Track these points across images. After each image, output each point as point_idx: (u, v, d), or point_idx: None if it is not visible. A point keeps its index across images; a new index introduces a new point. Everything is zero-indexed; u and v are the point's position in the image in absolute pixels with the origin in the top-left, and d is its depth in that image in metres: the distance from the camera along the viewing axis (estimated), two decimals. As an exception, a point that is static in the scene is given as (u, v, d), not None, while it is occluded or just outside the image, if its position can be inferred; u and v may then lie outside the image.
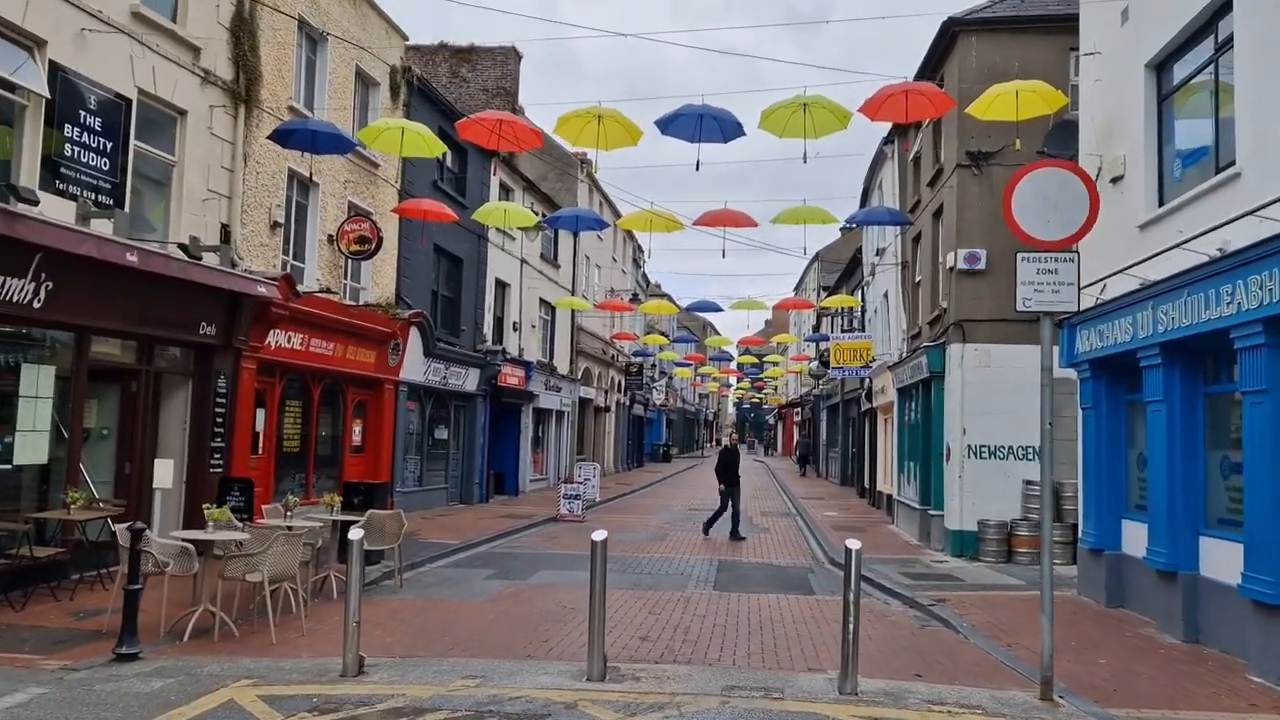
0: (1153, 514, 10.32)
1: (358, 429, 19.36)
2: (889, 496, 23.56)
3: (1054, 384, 15.96)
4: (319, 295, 16.35)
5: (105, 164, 11.75)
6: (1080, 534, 12.47)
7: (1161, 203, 10.64)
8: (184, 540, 9.44)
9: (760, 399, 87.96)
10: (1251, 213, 8.17)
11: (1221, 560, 9.21)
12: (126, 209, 12.02)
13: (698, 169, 12.74)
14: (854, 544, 7.33)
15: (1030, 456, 15.89)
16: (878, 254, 26.05)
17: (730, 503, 19.23)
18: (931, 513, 17.35)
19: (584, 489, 23.39)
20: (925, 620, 11.13)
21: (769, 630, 10.28)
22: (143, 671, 7.62)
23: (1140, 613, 10.87)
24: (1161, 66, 10.83)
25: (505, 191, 26.87)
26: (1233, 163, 8.97)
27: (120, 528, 8.88)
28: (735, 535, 18.79)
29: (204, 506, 10.18)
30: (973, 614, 11.11)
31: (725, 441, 21.16)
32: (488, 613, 10.91)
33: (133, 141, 12.27)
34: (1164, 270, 9.83)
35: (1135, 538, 11.18)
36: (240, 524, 10.72)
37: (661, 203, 21.84)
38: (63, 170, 11.13)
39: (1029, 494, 15.68)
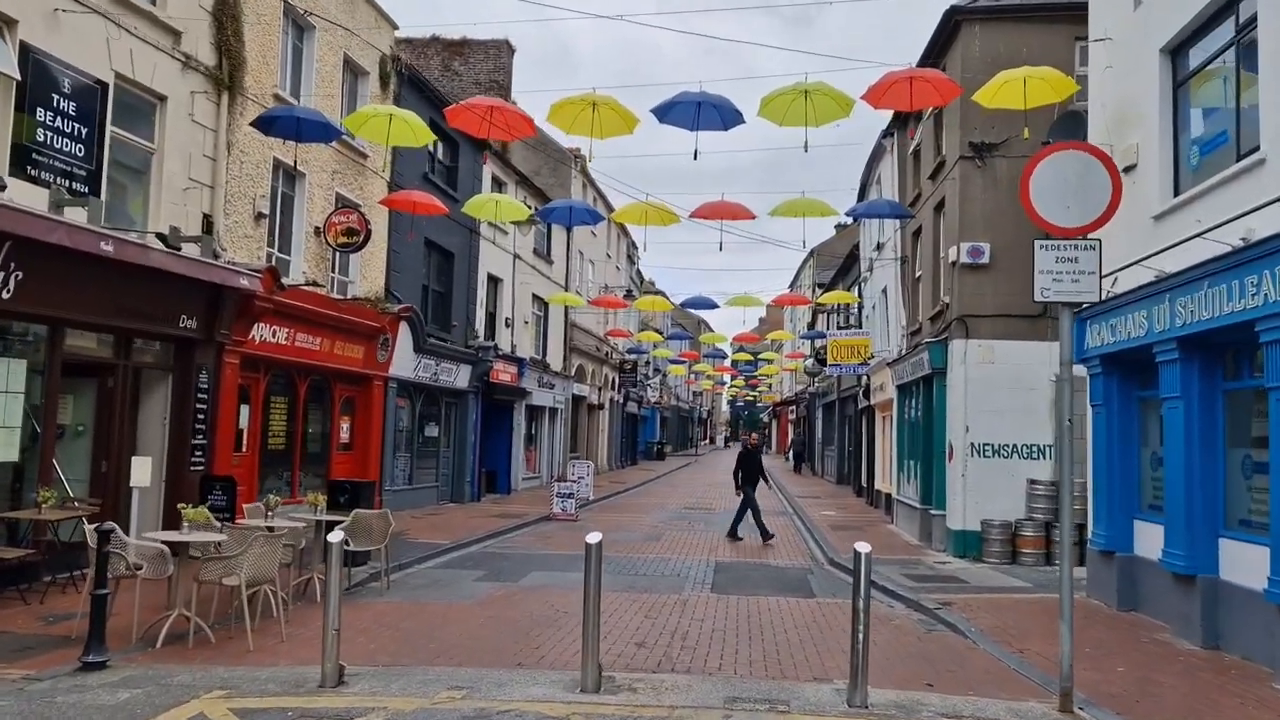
0: (1169, 515, 9.94)
1: (346, 426, 18.91)
2: (888, 495, 23.18)
3: (1059, 380, 15.64)
4: (305, 288, 15.90)
5: (80, 150, 11.30)
6: (1090, 535, 12.08)
7: (1177, 192, 10.26)
8: (157, 541, 9.00)
9: (754, 397, 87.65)
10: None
11: (1244, 563, 8.83)
12: (103, 197, 11.57)
13: (695, 158, 12.35)
14: (864, 547, 6.93)
15: (1035, 455, 15.53)
16: (876, 249, 25.66)
17: (754, 503, 18.62)
18: (933, 512, 16.97)
19: (577, 487, 22.98)
20: (931, 624, 10.74)
21: (770, 636, 9.88)
22: (109, 681, 7.19)
23: (1155, 617, 10.49)
24: (1177, 51, 10.44)
25: (497, 185, 26.46)
26: (1256, 148, 8.59)
27: (89, 528, 8.44)
28: (766, 534, 18.22)
29: (179, 506, 9.73)
30: (980, 618, 10.72)
31: (745, 443, 20.57)
32: (477, 616, 10.50)
33: (109, 127, 11.82)
34: (1181, 262, 9.44)
35: (1148, 539, 10.81)
36: (219, 524, 10.29)
37: (656, 198, 21.43)
38: (34, 156, 10.68)
39: (1033, 493, 15.32)
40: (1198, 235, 8.96)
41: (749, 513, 18.57)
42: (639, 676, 7.68)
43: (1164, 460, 10.23)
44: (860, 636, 6.77)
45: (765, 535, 18.15)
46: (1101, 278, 7.33)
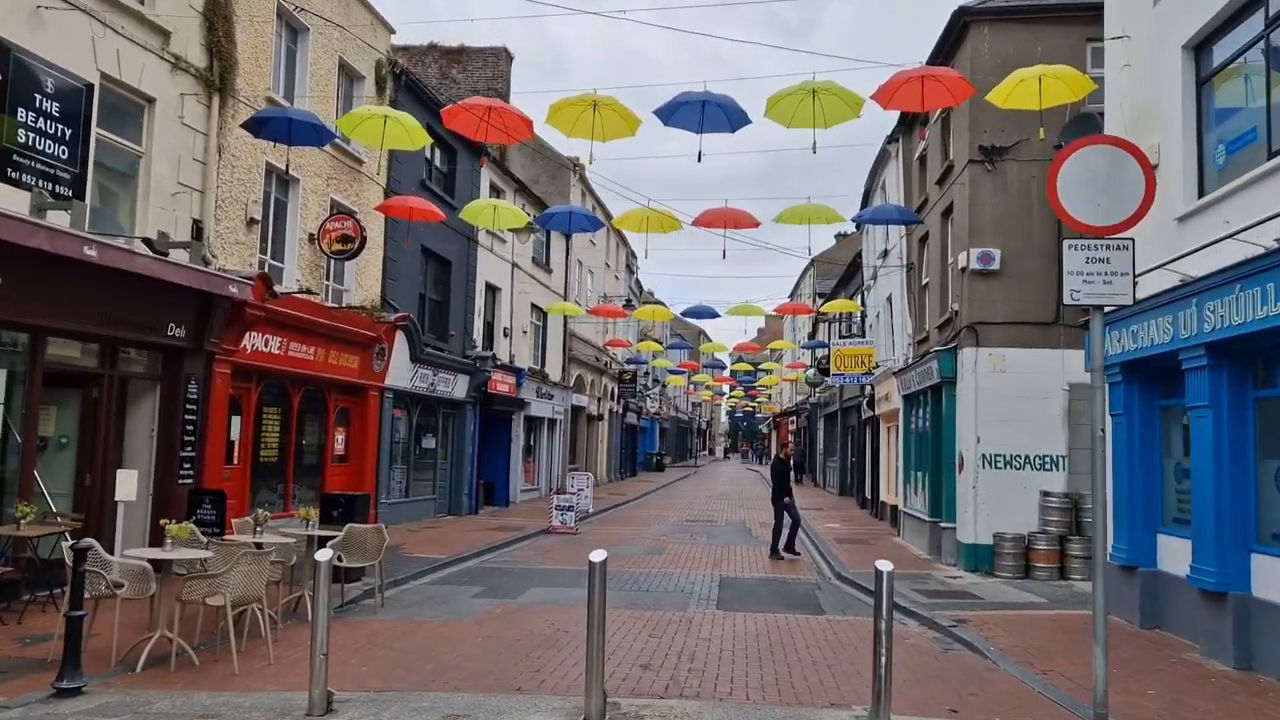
0: (1197, 529, 9.52)
1: (340, 438, 18.49)
2: (893, 508, 22.76)
3: (1073, 389, 15.26)
4: (298, 296, 15.50)
5: (63, 152, 10.90)
6: (1110, 549, 11.66)
7: (1202, 193, 9.88)
8: (138, 559, 8.58)
9: (754, 407, 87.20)
10: (1318, 197, 7.41)
11: (1278, 580, 8.41)
12: (87, 201, 11.17)
13: (699, 160, 11.96)
14: (885, 565, 6.51)
15: (1048, 466, 15.11)
16: (881, 256, 25.29)
17: (781, 516, 17.98)
18: (943, 525, 16.53)
19: (577, 500, 22.54)
20: (947, 643, 10.32)
21: (781, 656, 9.45)
22: (83, 709, 6.77)
23: (1181, 635, 10.07)
24: (1200, 47, 10.08)
25: (496, 192, 26.08)
26: (1289, 145, 8.22)
27: (66, 545, 8.02)
28: (775, 552, 17.60)
29: (162, 522, 9.31)
30: (998, 636, 10.29)
31: (779, 454, 19.97)
32: (475, 635, 10.07)
33: (94, 129, 11.42)
34: (1207, 265, 9.07)
35: (1172, 554, 10.41)
36: (205, 540, 9.87)
37: (657, 204, 20.89)
38: (15, 158, 10.28)
39: (1046, 505, 14.91)
40: (1228, 237, 8.58)
41: (788, 525, 18.01)
42: (645, 703, 7.25)
43: (1191, 472, 9.81)
44: (883, 660, 6.34)
45: (774, 551, 17.72)
46: (1135, 279, 6.92)
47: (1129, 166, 6.84)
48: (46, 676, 7.46)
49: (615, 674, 8.36)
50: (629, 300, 42.34)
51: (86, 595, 7.60)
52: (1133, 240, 6.94)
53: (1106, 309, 7.17)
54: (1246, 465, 9.07)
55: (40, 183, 10.56)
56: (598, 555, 6.72)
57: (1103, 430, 6.85)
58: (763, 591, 13.71)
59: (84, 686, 7.20)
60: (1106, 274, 6.82)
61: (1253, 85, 9.30)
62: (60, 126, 10.87)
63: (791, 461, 19.38)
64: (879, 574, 6.49)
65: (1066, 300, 6.90)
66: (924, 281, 19.82)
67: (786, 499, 18.02)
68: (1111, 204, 6.83)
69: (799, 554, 17.77)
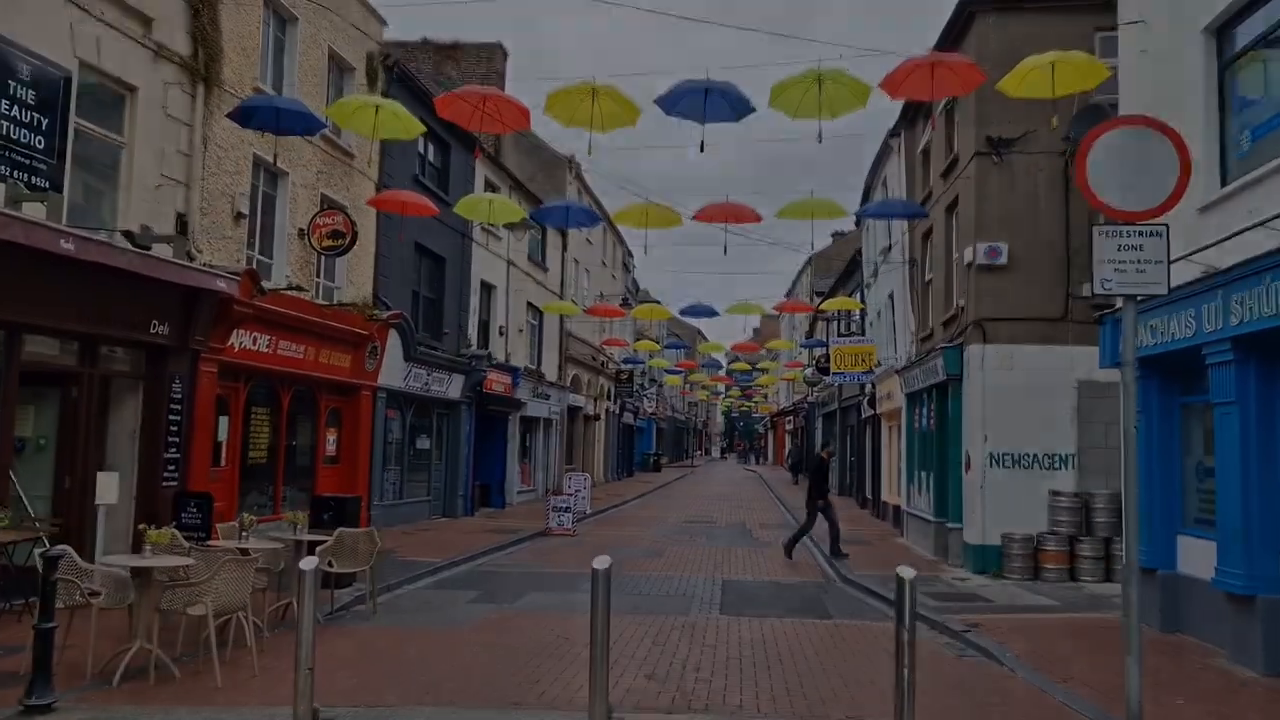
0: (1223, 531, 9.14)
1: (332, 438, 18.05)
2: (896, 508, 22.38)
3: (1083, 386, 14.87)
4: (287, 293, 15.06)
5: (40, 142, 10.43)
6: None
7: (1225, 182, 9.49)
8: (116, 566, 8.17)
9: (750, 407, 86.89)
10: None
11: (1312, 584, 8.05)
12: (65, 193, 10.74)
13: (701, 150, 11.57)
14: (908, 572, 6.09)
15: (1058, 465, 14.73)
16: (883, 252, 24.91)
17: (814, 517, 17.54)
18: (949, 526, 16.15)
19: (574, 501, 22.12)
20: (961, 649, 9.94)
21: (790, 664, 9.05)
22: (53, 728, 6.35)
23: (1205, 640, 9.69)
24: (1222, 30, 9.69)
25: (490, 188, 25.65)
26: (1322, 129, 7.84)
27: (36, 553, 7.60)
28: (836, 552, 16.90)
29: (140, 527, 8.89)
30: (1013, 641, 9.91)
31: (819, 456, 19.55)
32: (471, 643, 9.66)
33: (73, 119, 10.98)
34: (1234, 256, 8.69)
35: (1193, 555, 10.03)
36: (187, 545, 9.44)
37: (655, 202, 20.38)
38: (-11, 147, 9.85)
39: (1056, 505, 14.53)
40: (1257, 225, 8.20)
41: (821, 524, 17.59)
42: (652, 718, 6.85)
43: (1215, 471, 9.43)
44: (905, 674, 5.95)
45: (789, 548, 17.39)
46: (1170, 266, 6.53)
47: (1162, 148, 6.46)
48: (17, 691, 7.02)
49: (618, 685, 7.96)
50: (626, 299, 41.95)
51: (60, 605, 7.20)
52: (1167, 226, 6.57)
53: (1137, 299, 6.77)
54: (1275, 463, 8.69)
55: (15, 174, 10.09)
56: (601, 562, 6.31)
57: (1136, 426, 6.46)
58: (766, 595, 13.32)
59: (55, 703, 6.78)
60: (1140, 262, 6.44)
61: (1278, 69, 8.92)
62: (37, 115, 10.41)
63: (831, 463, 19.02)
64: (901, 582, 6.07)
65: (1098, 290, 6.52)
66: (927, 278, 19.45)
67: (821, 501, 17.56)
68: (1144, 188, 6.45)
69: (793, 559, 17.25)
